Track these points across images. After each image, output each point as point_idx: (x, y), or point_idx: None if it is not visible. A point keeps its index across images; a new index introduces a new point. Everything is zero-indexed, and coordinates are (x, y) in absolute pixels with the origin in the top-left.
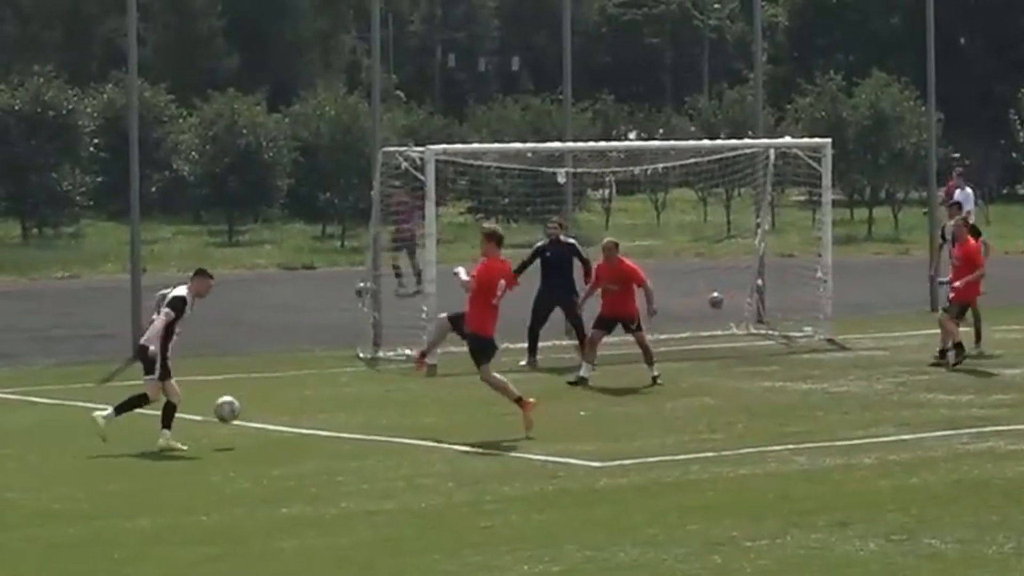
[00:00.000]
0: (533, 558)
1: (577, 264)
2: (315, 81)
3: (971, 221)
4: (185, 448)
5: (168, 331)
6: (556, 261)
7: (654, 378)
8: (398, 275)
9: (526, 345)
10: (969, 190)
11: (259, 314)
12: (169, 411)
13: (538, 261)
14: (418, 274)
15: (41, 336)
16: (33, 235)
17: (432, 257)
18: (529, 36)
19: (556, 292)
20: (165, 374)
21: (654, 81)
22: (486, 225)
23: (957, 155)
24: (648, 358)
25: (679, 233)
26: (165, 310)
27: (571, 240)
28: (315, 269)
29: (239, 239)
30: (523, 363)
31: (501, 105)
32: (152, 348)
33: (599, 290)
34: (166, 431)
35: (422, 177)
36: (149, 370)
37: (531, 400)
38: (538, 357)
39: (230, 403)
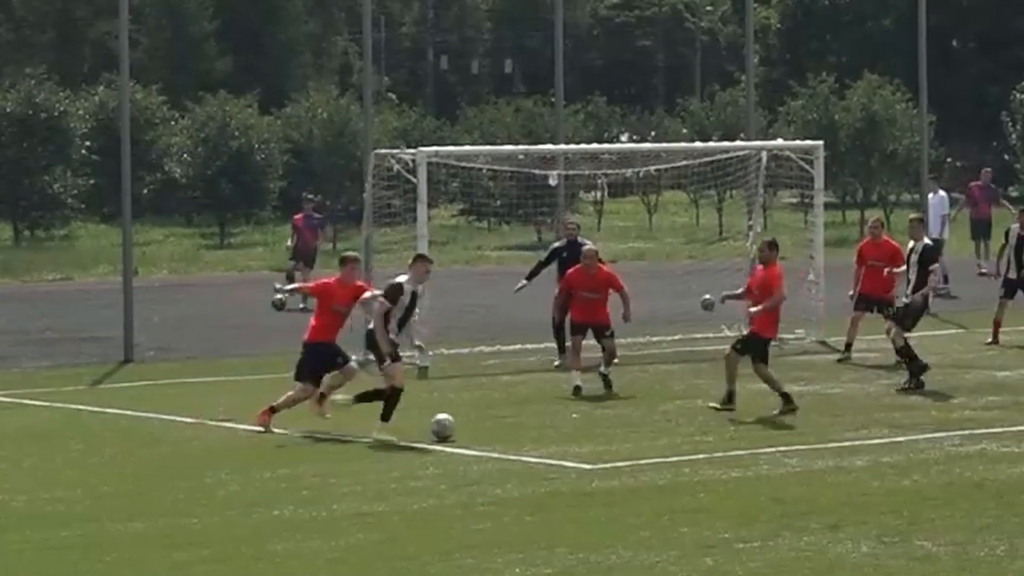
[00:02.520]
0: (525, 560)
1: None
2: (307, 83)
3: (947, 226)
4: (396, 440)
5: (386, 319)
6: (571, 262)
7: (604, 376)
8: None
9: (555, 345)
10: (943, 193)
11: (251, 316)
12: (392, 400)
13: (555, 263)
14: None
15: (33, 338)
16: (25, 237)
17: None
18: (521, 38)
19: None
20: (395, 356)
21: (646, 83)
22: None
23: (989, 169)
24: (608, 360)
25: (671, 235)
26: (380, 299)
27: (586, 242)
28: None
29: (231, 241)
30: (556, 363)
31: (493, 107)
32: (377, 335)
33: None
34: (386, 424)
35: (414, 179)
36: (381, 359)
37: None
38: (536, 358)
39: (441, 421)
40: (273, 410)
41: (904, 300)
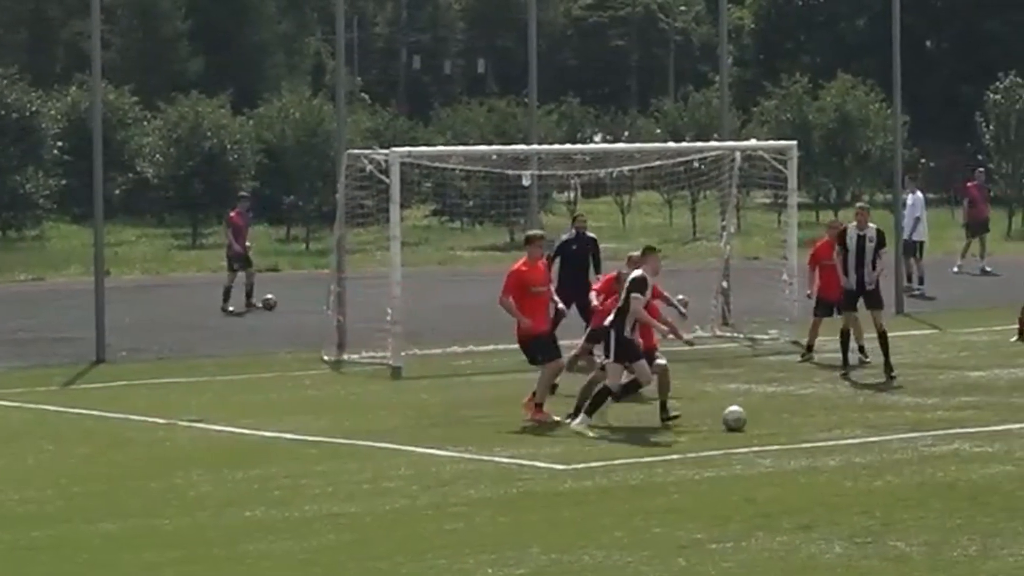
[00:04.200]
0: (498, 561)
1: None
2: (280, 83)
3: (921, 228)
4: (593, 436)
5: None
6: (580, 256)
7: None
8: (227, 296)
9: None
10: (919, 194)
11: (223, 317)
12: (630, 389)
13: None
14: (248, 291)
15: (5, 339)
16: None
17: (397, 260)
18: (494, 38)
19: (575, 288)
20: (629, 356)
21: (620, 84)
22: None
23: (982, 169)
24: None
25: (645, 236)
26: (634, 295)
27: (593, 236)
28: (279, 272)
29: (203, 242)
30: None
31: (466, 107)
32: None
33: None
34: (586, 417)
35: (387, 179)
36: (609, 353)
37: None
38: (509, 359)
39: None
40: (539, 405)
41: (870, 286)
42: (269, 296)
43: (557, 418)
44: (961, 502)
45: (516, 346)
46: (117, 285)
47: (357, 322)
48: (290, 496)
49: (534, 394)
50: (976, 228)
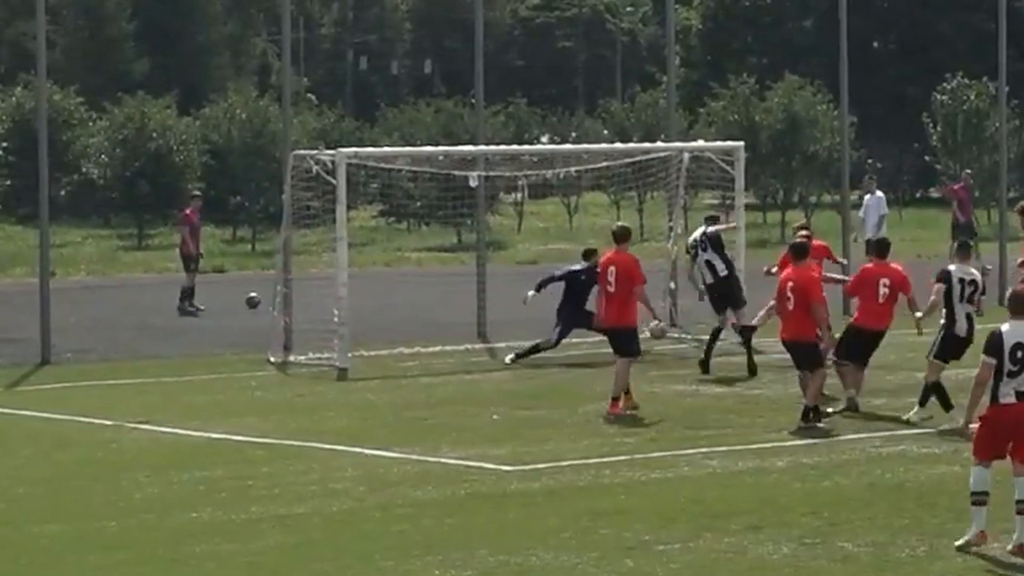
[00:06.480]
0: (445, 562)
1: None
2: (226, 84)
3: (884, 227)
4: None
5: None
6: (587, 285)
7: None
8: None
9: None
10: (880, 194)
11: (169, 318)
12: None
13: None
14: (190, 292)
15: None
16: None
17: (344, 261)
18: (441, 39)
19: (577, 312)
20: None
21: (567, 84)
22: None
23: (969, 171)
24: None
25: (592, 236)
26: (939, 285)
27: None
28: (225, 272)
29: (149, 243)
30: (509, 359)
31: (413, 108)
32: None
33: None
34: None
35: (333, 180)
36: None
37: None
38: (455, 360)
39: None
40: (620, 399)
41: None
42: (253, 294)
43: (635, 409)
44: (908, 503)
45: (462, 347)
46: (62, 286)
47: (303, 323)
48: (236, 498)
49: (625, 394)
50: (962, 231)
